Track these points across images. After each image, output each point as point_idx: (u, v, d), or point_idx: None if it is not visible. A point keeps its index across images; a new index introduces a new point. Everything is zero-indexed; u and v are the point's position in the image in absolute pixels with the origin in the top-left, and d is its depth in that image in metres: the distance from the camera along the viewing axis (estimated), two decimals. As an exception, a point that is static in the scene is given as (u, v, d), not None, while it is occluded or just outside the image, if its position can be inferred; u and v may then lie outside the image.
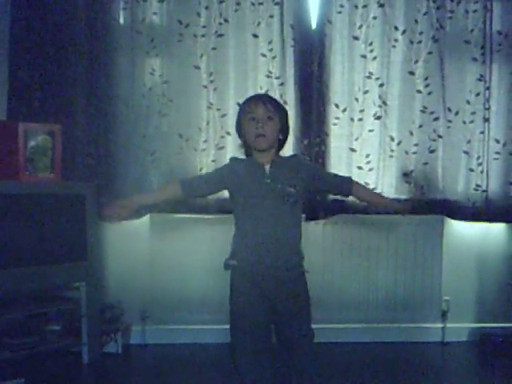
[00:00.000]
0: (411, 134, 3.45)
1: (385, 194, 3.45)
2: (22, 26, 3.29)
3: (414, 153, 3.48)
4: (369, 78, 3.43)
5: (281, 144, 2.37)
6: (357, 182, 2.47)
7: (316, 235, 3.51)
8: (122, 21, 3.39)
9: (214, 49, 3.38)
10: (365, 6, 3.39)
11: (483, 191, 3.47)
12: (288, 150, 3.42)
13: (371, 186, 3.46)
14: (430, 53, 3.42)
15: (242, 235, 2.36)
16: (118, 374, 3.17)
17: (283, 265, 2.29)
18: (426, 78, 3.44)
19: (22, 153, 3.02)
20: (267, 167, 2.30)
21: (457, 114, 3.45)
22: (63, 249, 3.10)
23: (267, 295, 2.32)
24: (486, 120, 3.45)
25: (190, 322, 3.54)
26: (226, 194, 3.41)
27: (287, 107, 3.36)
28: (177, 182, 2.39)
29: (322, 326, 3.48)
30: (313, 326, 3.46)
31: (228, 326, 3.50)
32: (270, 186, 2.25)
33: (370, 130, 3.46)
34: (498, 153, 3.49)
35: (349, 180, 2.43)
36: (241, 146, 2.41)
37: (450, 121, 3.46)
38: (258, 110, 2.25)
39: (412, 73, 3.43)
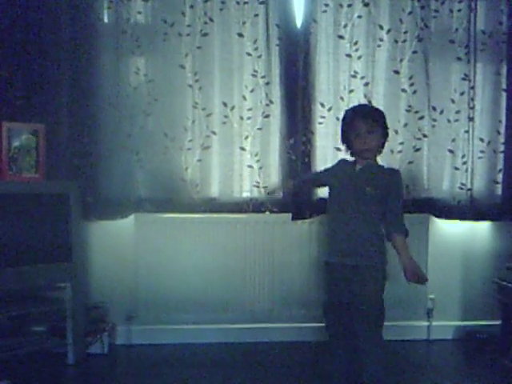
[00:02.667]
0: (396, 132, 3.46)
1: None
2: (4, 24, 3.25)
3: (399, 152, 3.49)
4: (354, 77, 3.44)
5: (382, 147, 2.65)
6: (403, 240, 2.57)
7: (302, 234, 3.51)
8: (106, 20, 3.36)
9: (199, 48, 3.37)
10: (350, 5, 3.39)
11: (468, 190, 3.48)
12: (274, 150, 3.48)
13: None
14: (414, 52, 3.43)
15: (328, 225, 2.70)
16: (104, 375, 3.15)
17: (352, 257, 2.55)
18: (411, 77, 3.45)
19: (6, 152, 3.01)
20: (358, 166, 2.61)
21: (441, 112, 3.47)
22: (47, 249, 3.08)
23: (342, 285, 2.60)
24: (471, 119, 3.46)
25: (176, 322, 3.53)
26: (212, 193, 3.47)
27: (272, 106, 3.42)
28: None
29: (309, 324, 3.52)
30: (300, 324, 3.55)
31: (213, 326, 3.55)
32: (353, 182, 2.57)
33: (356, 129, 3.46)
34: (482, 151, 3.51)
35: (398, 231, 2.57)
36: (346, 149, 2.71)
37: (434, 120, 3.47)
38: (360, 127, 2.53)
39: (397, 72, 3.44)
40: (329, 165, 2.90)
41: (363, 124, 2.53)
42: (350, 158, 2.70)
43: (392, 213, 2.56)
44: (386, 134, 2.64)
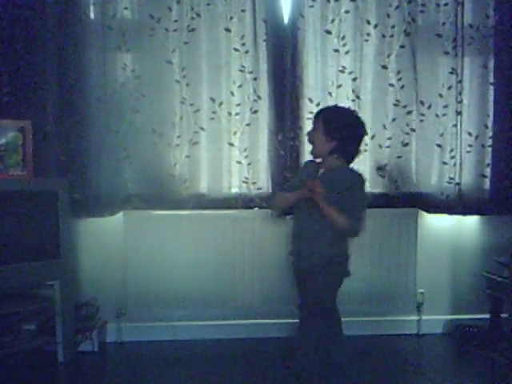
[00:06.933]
0: (384, 127, 3.47)
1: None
2: (-12, 21, 3.23)
3: (388, 146, 3.49)
4: (342, 72, 3.44)
5: (338, 150, 2.57)
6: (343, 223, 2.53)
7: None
8: (92, 16, 3.34)
9: (186, 43, 3.35)
10: (337, 0, 3.38)
11: (456, 184, 3.49)
12: (263, 145, 3.47)
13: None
14: (402, 46, 3.43)
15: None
16: (94, 373, 3.15)
17: (304, 257, 2.64)
18: (399, 72, 3.45)
19: (-7, 150, 3.00)
20: (321, 170, 2.63)
21: (429, 107, 3.47)
22: (36, 246, 3.08)
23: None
24: (459, 113, 3.46)
25: (166, 319, 3.52)
26: (201, 189, 3.47)
27: (260, 102, 3.41)
28: None
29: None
30: (292, 320, 3.54)
31: (203, 322, 3.54)
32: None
33: (344, 124, 3.46)
34: (470, 145, 3.52)
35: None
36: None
37: (422, 114, 3.47)
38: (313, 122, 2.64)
39: (385, 67, 3.44)
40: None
41: (313, 121, 2.66)
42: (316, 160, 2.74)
43: (347, 213, 2.50)
44: (339, 138, 2.55)
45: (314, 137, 2.61)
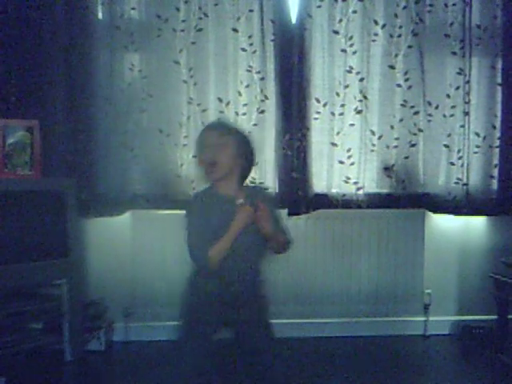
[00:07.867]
0: (392, 128, 3.46)
1: (364, 190, 3.50)
2: (-2, 21, 3.25)
3: (395, 147, 3.49)
4: (349, 72, 3.43)
5: (246, 171, 2.22)
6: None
7: (298, 230, 3.48)
8: (100, 16, 3.35)
9: (193, 43, 3.36)
10: (344, 0, 3.39)
11: (464, 185, 3.48)
12: (270, 145, 3.46)
13: (353, 181, 3.48)
14: (409, 47, 3.42)
15: None
16: (101, 372, 3.16)
17: (249, 290, 2.26)
18: (406, 72, 3.44)
19: (1, 149, 3.00)
20: (239, 200, 2.13)
21: (437, 107, 3.47)
22: (44, 246, 3.08)
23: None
24: (466, 114, 3.46)
25: (173, 319, 3.49)
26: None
27: (268, 102, 3.41)
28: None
29: (304, 320, 3.52)
30: (296, 320, 3.55)
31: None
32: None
33: (351, 125, 3.46)
34: (478, 146, 3.51)
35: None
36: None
37: (430, 115, 3.47)
38: (208, 138, 2.14)
39: (392, 67, 3.44)
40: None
41: (211, 135, 2.14)
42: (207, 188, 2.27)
43: (280, 228, 2.24)
44: (249, 156, 2.21)
45: (223, 154, 2.12)
